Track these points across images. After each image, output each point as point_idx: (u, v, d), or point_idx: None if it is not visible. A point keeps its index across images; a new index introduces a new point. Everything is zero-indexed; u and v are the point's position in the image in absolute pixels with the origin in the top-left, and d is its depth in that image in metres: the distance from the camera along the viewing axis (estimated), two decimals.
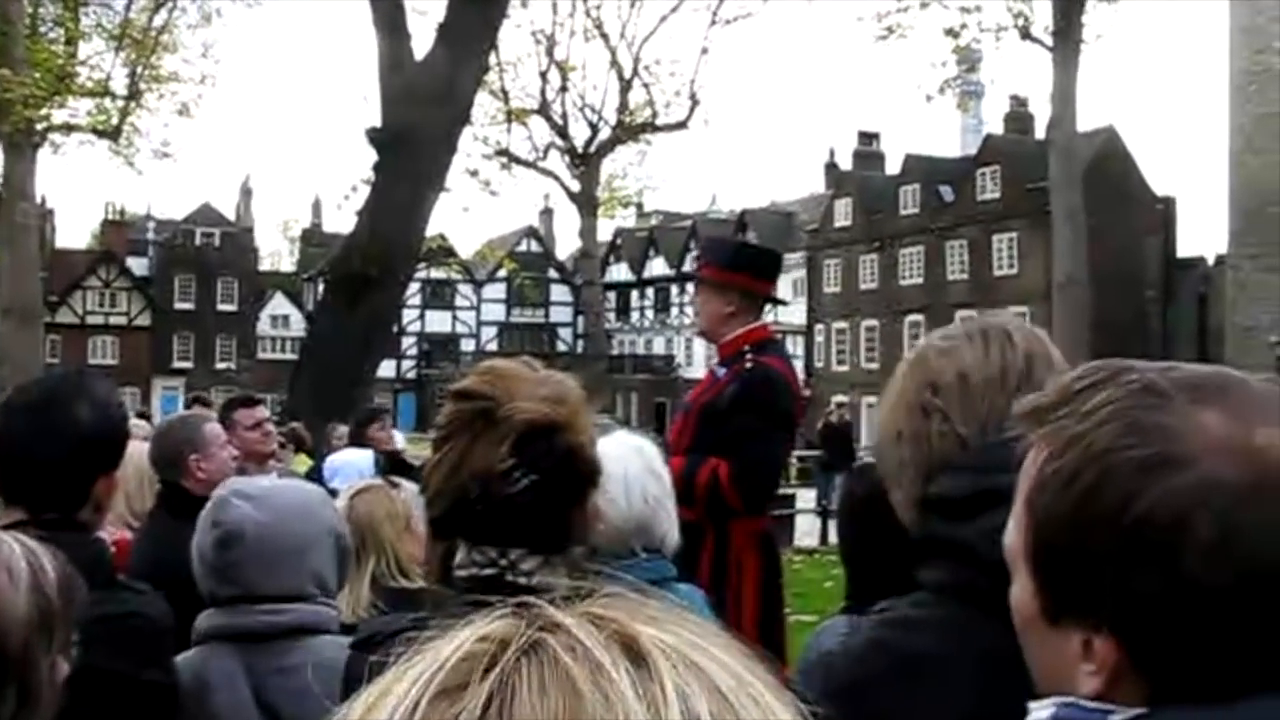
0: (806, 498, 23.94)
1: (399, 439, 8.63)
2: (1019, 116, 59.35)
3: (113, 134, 31.10)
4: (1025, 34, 28.86)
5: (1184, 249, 55.91)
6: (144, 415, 13.02)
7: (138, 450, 4.50)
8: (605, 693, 0.61)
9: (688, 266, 70.97)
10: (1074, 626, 1.07)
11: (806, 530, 21.58)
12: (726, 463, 4.65)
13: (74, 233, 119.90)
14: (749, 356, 4.88)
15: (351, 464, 7.44)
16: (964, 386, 1.72)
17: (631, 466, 2.85)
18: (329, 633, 2.71)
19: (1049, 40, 27.72)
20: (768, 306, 5.31)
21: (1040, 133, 46.84)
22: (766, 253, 5.75)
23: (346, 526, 3.03)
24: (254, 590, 2.67)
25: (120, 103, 31.39)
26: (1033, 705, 1.14)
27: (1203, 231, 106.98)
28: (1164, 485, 1.01)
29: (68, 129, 30.48)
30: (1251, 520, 1.00)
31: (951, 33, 30.60)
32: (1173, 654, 1.02)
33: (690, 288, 72.25)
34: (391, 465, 7.99)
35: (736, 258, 5.25)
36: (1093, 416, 1.07)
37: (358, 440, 8.77)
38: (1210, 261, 53.20)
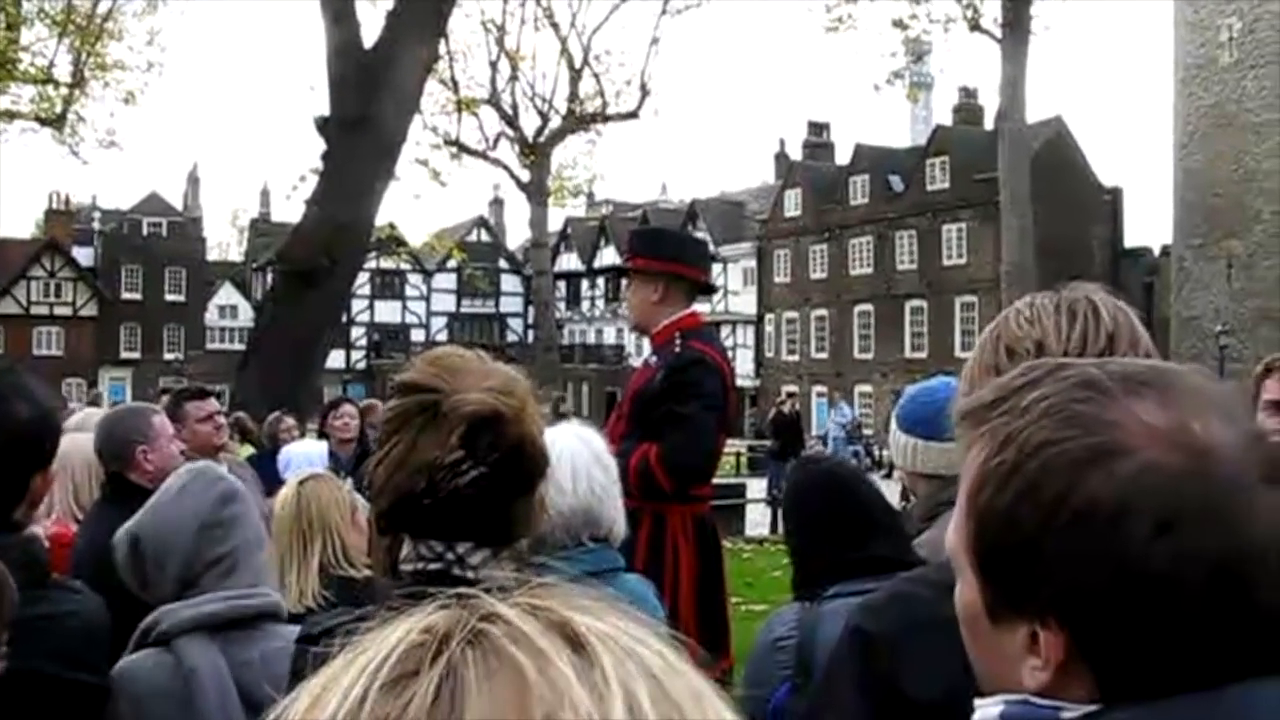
0: (757, 487, 24.01)
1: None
2: (968, 107, 59.73)
3: (56, 122, 30.77)
4: (974, 25, 29.04)
5: (1130, 239, 56.59)
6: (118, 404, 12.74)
7: (85, 441, 4.45)
8: (551, 679, 0.62)
9: None
10: (1019, 621, 1.07)
11: (757, 520, 21.63)
12: (656, 446, 4.68)
13: (18, 222, 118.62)
14: (678, 342, 4.92)
15: (304, 454, 7.42)
16: (1039, 355, 1.68)
17: (579, 457, 2.85)
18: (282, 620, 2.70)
19: (998, 32, 27.90)
20: (716, 296, 5.35)
21: (989, 124, 47.14)
22: (691, 239, 5.81)
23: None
24: (244, 550, 2.66)
25: (64, 90, 31.06)
26: (979, 703, 1.14)
27: (1149, 222, 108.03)
28: (1104, 475, 1.01)
29: (10, 116, 30.16)
30: (1191, 508, 1.00)
31: (900, 24, 30.77)
32: (1119, 644, 1.02)
33: None
34: (361, 455, 7.91)
35: (660, 246, 5.30)
36: (1031, 412, 1.08)
37: (322, 431, 8.77)
38: (1156, 252, 53.80)
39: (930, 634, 1.63)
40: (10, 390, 2.54)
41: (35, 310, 69.13)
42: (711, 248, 58.21)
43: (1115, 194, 56.48)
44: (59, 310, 69.88)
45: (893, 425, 3.12)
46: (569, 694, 0.62)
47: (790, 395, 29.60)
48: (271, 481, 7.22)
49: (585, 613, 0.67)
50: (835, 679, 1.85)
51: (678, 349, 4.90)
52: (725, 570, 5.12)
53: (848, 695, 1.78)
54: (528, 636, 0.64)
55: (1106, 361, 1.15)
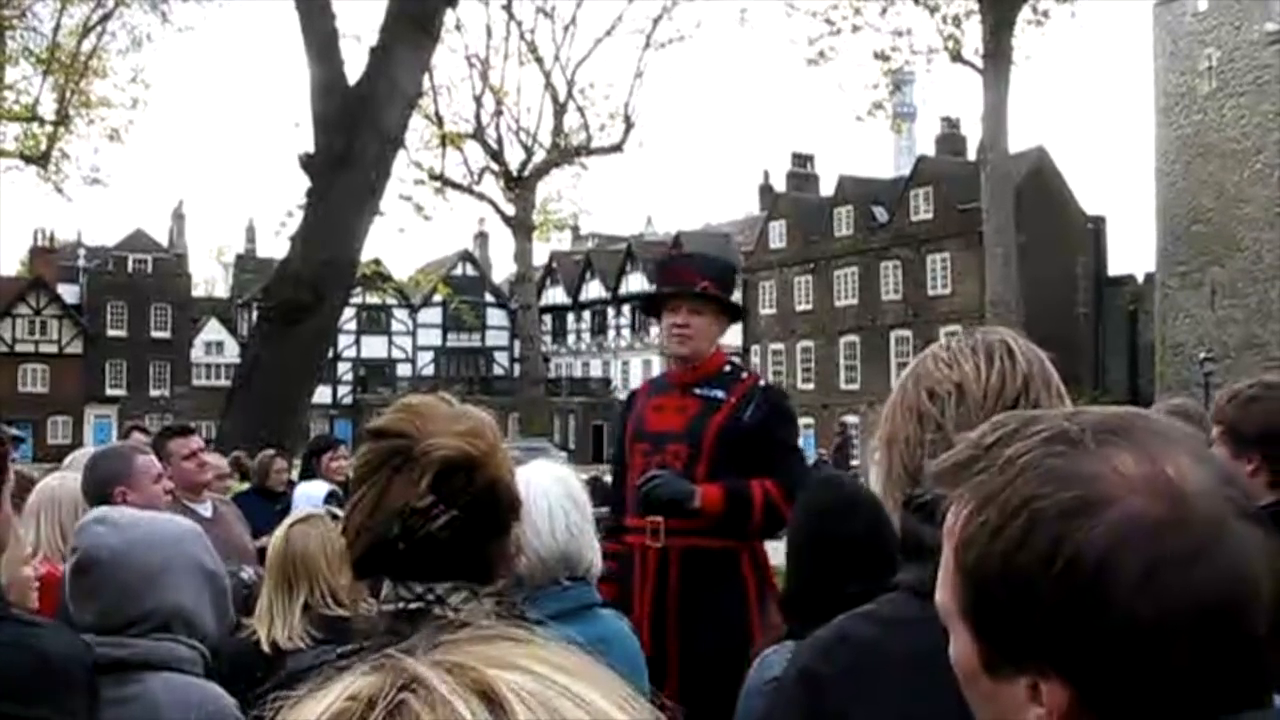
0: None
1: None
2: (951, 138, 59.98)
3: (41, 159, 30.76)
4: (956, 56, 29.21)
5: (1114, 267, 56.77)
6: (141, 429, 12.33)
7: (73, 481, 4.43)
8: None
9: (624, 289, 71.06)
10: (1018, 674, 1.08)
11: None
12: (772, 481, 4.52)
13: (2, 260, 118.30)
14: (747, 375, 4.85)
15: (306, 495, 7.42)
16: (960, 397, 1.75)
17: (553, 497, 2.84)
18: (178, 670, 2.63)
19: (979, 62, 28.06)
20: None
21: (972, 154, 47.37)
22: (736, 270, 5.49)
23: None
24: (107, 618, 2.59)
25: (49, 128, 31.06)
26: None
27: (1132, 250, 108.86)
28: (1086, 528, 1.03)
29: None
30: (1172, 551, 1.02)
31: (882, 56, 30.93)
32: (1119, 691, 1.03)
33: (626, 309, 72.86)
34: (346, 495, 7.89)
35: (732, 280, 5.10)
36: (1010, 469, 1.09)
37: (310, 470, 8.69)
38: (1140, 279, 53.98)
39: (878, 671, 1.67)
40: None
41: (20, 348, 68.87)
42: None
43: (1098, 222, 56.71)
44: (44, 348, 69.65)
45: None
46: None
47: (843, 425, 29.35)
48: (262, 519, 7.20)
49: (509, 669, 0.69)
50: None
51: (762, 383, 4.85)
52: None
53: None
54: (446, 703, 0.66)
55: (1077, 412, 1.16)
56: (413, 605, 1.89)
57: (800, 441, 4.79)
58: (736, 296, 5.14)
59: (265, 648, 3.42)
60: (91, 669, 2.47)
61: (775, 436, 4.63)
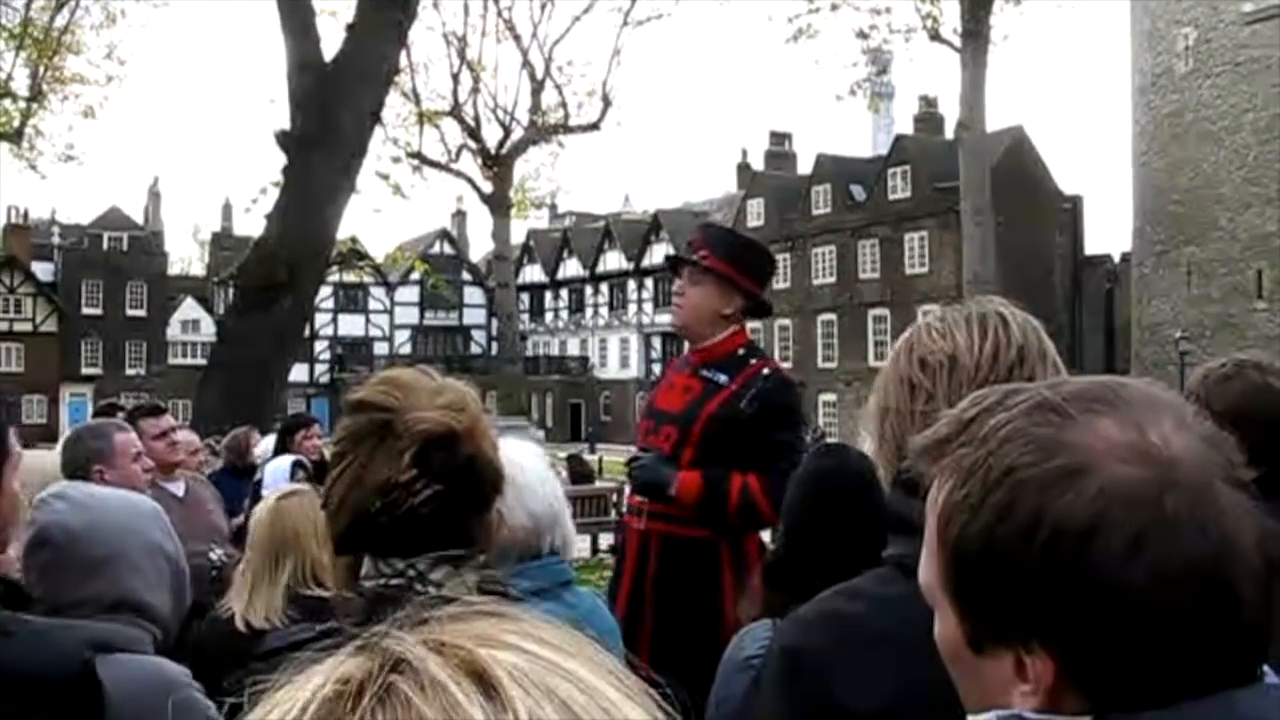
0: None
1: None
2: (929, 117, 60.04)
3: (14, 136, 30.57)
4: (934, 35, 29.24)
5: (1091, 247, 56.95)
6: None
7: (46, 459, 4.40)
8: None
9: (601, 267, 71.00)
10: (1003, 649, 1.07)
11: None
12: (755, 475, 4.32)
13: None
14: (756, 361, 4.57)
15: (277, 470, 7.40)
16: (953, 368, 1.74)
17: (531, 471, 2.83)
18: (126, 650, 2.54)
19: (957, 41, 28.09)
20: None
21: (950, 133, 47.41)
22: (768, 254, 4.97)
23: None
24: (59, 597, 2.48)
25: (22, 104, 30.87)
26: (970, 718, 1.13)
27: (1109, 229, 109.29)
28: (1071, 496, 1.01)
29: None
30: (1157, 518, 1.00)
31: (862, 34, 30.95)
32: (1106, 661, 1.02)
33: (604, 287, 72.78)
34: (317, 471, 7.89)
35: (751, 259, 4.71)
36: (990, 441, 1.08)
37: (285, 447, 8.66)
38: (1116, 259, 54.15)
39: (863, 646, 1.65)
40: None
41: None
42: None
43: (1075, 202, 56.83)
44: (19, 326, 69.27)
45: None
46: None
47: None
48: (235, 496, 7.18)
49: (501, 647, 0.66)
50: (768, 702, 1.83)
51: (766, 371, 4.54)
52: None
53: (785, 716, 1.75)
54: (437, 685, 0.63)
55: (1058, 382, 1.15)
56: (394, 581, 1.86)
57: (797, 435, 4.55)
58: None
59: (240, 626, 3.37)
60: (90, 672, 2.34)
61: (767, 430, 4.40)
